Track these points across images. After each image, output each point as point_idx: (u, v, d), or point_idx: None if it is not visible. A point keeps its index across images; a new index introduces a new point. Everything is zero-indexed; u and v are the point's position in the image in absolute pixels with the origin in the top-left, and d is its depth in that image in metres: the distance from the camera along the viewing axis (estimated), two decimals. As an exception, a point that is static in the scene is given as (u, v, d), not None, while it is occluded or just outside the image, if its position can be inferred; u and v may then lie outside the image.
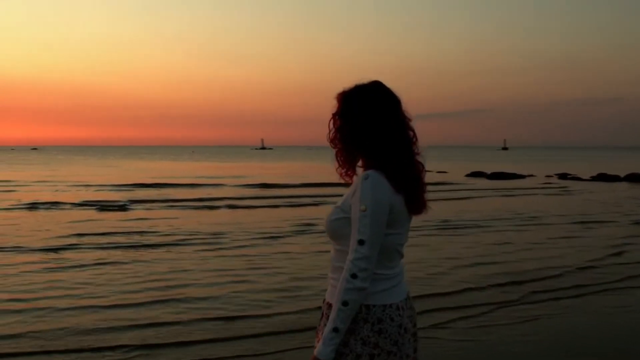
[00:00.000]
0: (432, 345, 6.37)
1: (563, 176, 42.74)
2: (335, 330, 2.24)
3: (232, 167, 58.12)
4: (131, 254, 11.57)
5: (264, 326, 7.09)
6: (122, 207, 20.72)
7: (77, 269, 10.06)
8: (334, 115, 2.45)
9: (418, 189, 2.41)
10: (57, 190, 27.72)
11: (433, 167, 53.99)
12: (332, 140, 2.46)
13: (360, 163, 2.46)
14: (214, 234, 14.16)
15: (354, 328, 2.28)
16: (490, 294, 8.60)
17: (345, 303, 2.22)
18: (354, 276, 2.22)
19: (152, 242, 13.07)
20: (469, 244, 13.09)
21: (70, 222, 16.52)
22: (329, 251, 2.46)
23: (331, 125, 2.46)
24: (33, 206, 20.60)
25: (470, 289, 8.83)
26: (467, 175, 42.57)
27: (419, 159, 2.46)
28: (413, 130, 2.44)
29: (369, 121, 2.35)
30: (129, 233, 14.22)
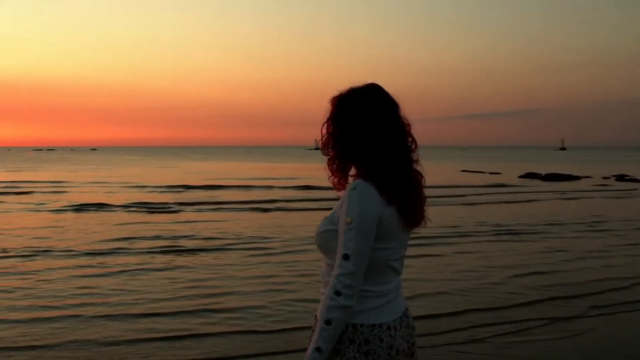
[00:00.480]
0: (460, 360, 6.01)
1: (620, 178, 41.18)
2: (318, 350, 2.10)
3: (285, 168, 58.05)
4: (174, 259, 11.38)
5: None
6: (171, 210, 20.70)
7: (116, 275, 9.88)
8: (327, 119, 2.29)
9: (414, 199, 2.25)
10: (109, 192, 27.94)
11: (486, 168, 53.02)
12: (324, 146, 2.31)
13: (353, 171, 2.31)
14: (261, 238, 13.88)
15: (339, 348, 2.16)
16: (543, 308, 8.06)
17: (328, 322, 2.09)
18: (337, 293, 2.09)
19: (196, 246, 12.86)
20: (524, 251, 12.48)
21: (117, 224, 16.50)
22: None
23: (324, 131, 2.30)
24: (81, 208, 20.74)
25: (523, 303, 8.27)
26: (521, 177, 41.33)
27: (418, 167, 2.31)
28: (412, 137, 2.28)
29: (365, 126, 2.20)
30: (174, 237, 14.04)
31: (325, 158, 2.33)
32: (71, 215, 19.14)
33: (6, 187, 30.04)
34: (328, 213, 2.29)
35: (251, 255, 11.80)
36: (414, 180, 2.28)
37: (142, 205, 21.72)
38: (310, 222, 16.91)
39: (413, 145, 2.29)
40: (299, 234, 14.56)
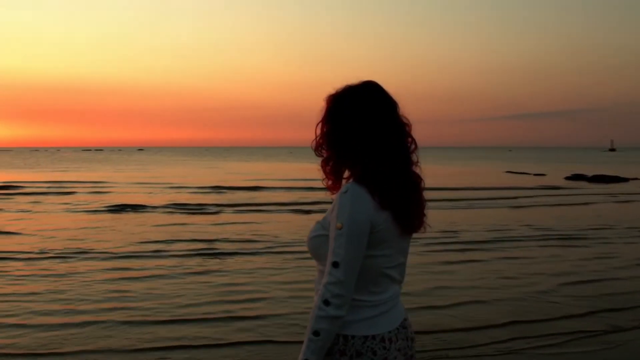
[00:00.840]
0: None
1: (671, 179, 39.68)
2: None
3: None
4: (209, 262, 11.16)
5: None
6: (209, 211, 20.56)
7: (150, 279, 9.68)
8: (322, 119, 2.18)
9: (411, 203, 2.12)
10: (150, 193, 28.05)
11: (532, 170, 51.90)
12: (317, 147, 2.20)
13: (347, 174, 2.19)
14: (300, 241, 13.50)
15: None
16: (590, 319, 7.57)
17: (316, 333, 1.98)
18: (326, 303, 1.98)
19: (233, 249, 12.63)
20: (572, 257, 11.91)
21: (154, 226, 16.43)
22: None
23: (318, 131, 2.19)
24: (120, 209, 20.75)
25: (570, 315, 7.76)
26: (567, 178, 40.19)
27: (417, 169, 2.19)
28: (412, 137, 2.17)
29: (361, 125, 2.09)
30: (211, 240, 13.83)
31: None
32: (109, 216, 19.15)
33: (49, 187, 30.48)
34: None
35: (287, 260, 11.49)
36: (413, 182, 2.15)
37: (181, 207, 21.62)
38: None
39: (413, 146, 2.16)
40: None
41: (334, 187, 2.20)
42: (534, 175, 43.06)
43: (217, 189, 30.30)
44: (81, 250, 12.16)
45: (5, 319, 7.43)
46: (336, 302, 1.97)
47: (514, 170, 52.09)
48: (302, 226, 16.27)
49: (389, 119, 2.11)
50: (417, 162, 2.18)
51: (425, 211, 2.21)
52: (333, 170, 2.18)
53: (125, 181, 36.00)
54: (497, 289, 9.09)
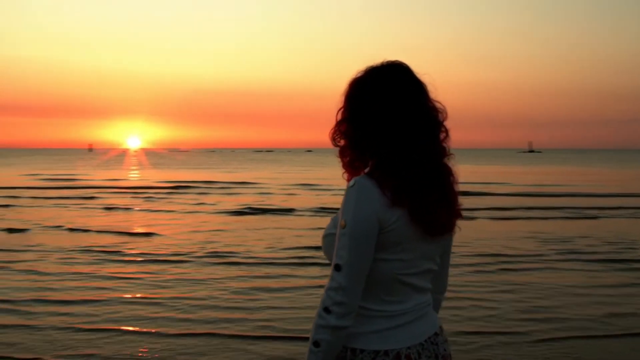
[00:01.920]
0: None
1: None
2: None
3: (497, 172, 54.95)
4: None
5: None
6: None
7: (285, 291, 9.03)
8: (342, 105, 1.90)
9: (433, 201, 1.78)
10: (318, 195, 27.42)
11: None
12: (333, 136, 1.92)
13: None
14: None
15: None
16: None
17: (316, 343, 1.75)
18: (327, 310, 1.73)
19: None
20: None
21: (300, 229, 15.98)
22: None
23: (338, 117, 1.91)
24: (266, 210, 20.41)
25: None
26: None
27: (448, 162, 1.88)
28: (444, 127, 1.88)
29: (381, 110, 1.80)
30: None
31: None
32: (260, 218, 19.04)
33: (210, 186, 31.50)
34: None
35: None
36: (438, 176, 1.83)
37: (330, 211, 20.68)
38: (512, 231, 15.12)
39: (443, 136, 1.87)
40: (495, 247, 12.92)
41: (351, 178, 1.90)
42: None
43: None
44: (212, 254, 11.96)
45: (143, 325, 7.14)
46: (338, 311, 1.73)
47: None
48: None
49: (414, 104, 1.82)
50: (448, 154, 1.87)
51: (457, 210, 1.88)
52: (351, 163, 1.89)
53: (284, 182, 36.13)
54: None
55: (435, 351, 1.86)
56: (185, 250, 12.32)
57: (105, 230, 15.51)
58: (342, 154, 1.90)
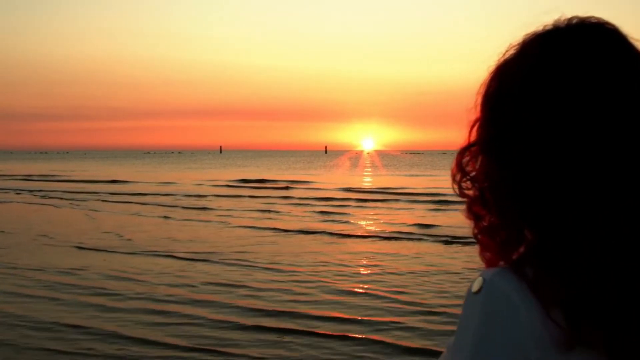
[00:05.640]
0: None
1: None
2: None
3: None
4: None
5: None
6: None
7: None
8: (476, 119, 0.99)
9: None
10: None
11: None
12: (457, 178, 1.00)
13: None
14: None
15: None
16: None
17: None
18: None
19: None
20: None
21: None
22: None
23: (471, 138, 0.99)
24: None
25: None
26: None
27: None
28: None
29: (574, 130, 0.87)
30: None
31: None
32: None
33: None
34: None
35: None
36: None
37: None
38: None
39: None
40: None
41: (494, 260, 0.97)
42: None
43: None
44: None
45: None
46: None
47: None
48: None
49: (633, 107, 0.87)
50: None
51: None
52: (489, 230, 0.96)
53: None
54: None
55: None
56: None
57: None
58: (476, 206, 0.97)
